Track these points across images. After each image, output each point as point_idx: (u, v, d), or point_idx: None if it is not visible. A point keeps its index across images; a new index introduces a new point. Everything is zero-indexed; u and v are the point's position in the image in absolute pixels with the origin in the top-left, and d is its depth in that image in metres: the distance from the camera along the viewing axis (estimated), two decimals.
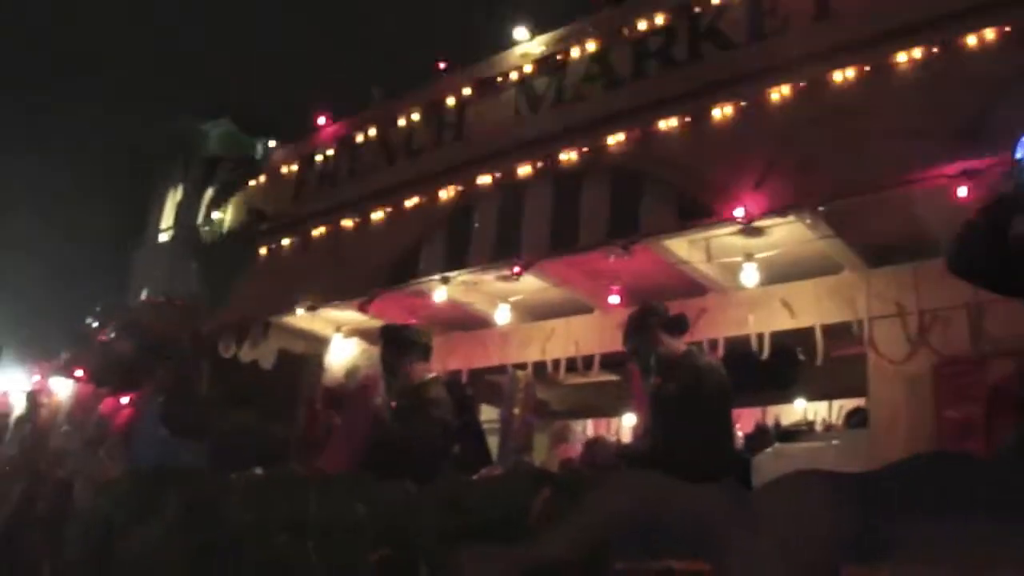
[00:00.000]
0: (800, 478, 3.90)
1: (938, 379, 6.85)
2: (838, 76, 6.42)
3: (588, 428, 12.41)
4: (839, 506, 3.58)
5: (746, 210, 6.39)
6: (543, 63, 8.21)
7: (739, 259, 7.37)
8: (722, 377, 6.52)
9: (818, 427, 10.13)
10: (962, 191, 5.55)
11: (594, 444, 8.65)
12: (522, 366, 9.44)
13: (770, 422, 10.71)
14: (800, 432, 9.56)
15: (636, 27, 7.65)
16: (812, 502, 3.71)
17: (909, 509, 3.43)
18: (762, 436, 9.40)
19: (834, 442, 7.75)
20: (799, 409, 11.01)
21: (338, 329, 10.19)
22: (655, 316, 6.58)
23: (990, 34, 5.91)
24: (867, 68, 6.31)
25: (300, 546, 5.73)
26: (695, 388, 6.35)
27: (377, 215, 9.13)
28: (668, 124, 7.13)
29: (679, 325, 6.63)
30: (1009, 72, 5.72)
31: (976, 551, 3.21)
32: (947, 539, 3.28)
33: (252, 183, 11.20)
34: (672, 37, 7.40)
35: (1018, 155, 4.41)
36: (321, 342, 10.40)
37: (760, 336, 7.69)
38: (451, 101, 8.93)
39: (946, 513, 3.33)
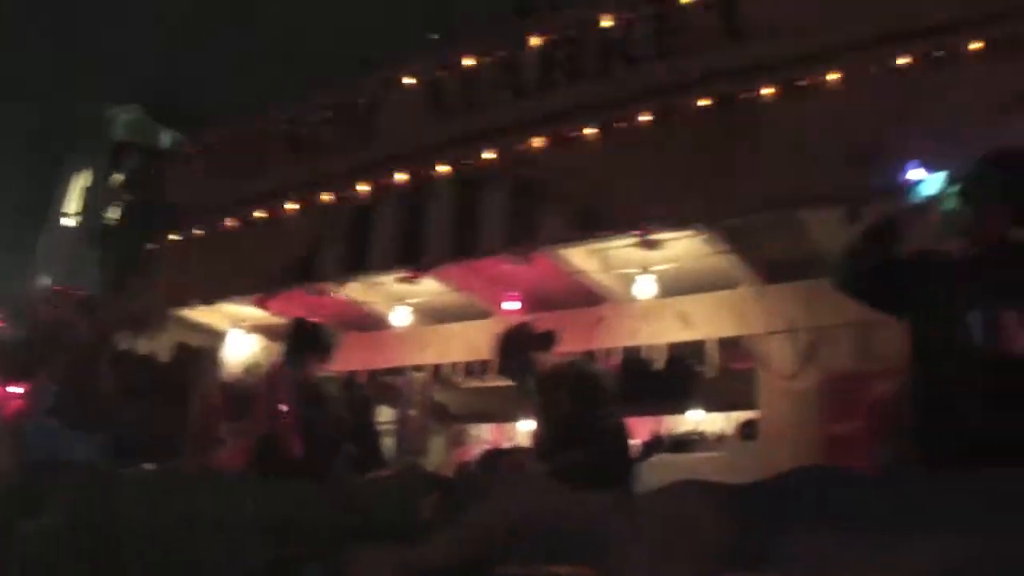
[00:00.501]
0: (682, 487, 3.97)
1: (825, 395, 7.02)
2: (744, 95, 6.50)
3: (487, 433, 12.46)
4: (718, 516, 3.65)
5: (644, 223, 6.49)
6: (453, 68, 8.20)
7: (636, 271, 7.48)
8: (610, 384, 6.59)
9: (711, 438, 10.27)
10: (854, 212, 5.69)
11: (495, 455, 8.69)
12: (420, 368, 9.45)
13: (667, 432, 10.83)
14: (692, 442, 9.69)
15: (545, 38, 7.65)
16: (692, 511, 3.77)
17: (785, 521, 3.50)
18: (657, 445, 9.51)
19: (717, 454, 7.87)
20: (693, 420, 11.15)
21: (238, 324, 10.11)
22: (526, 336, 6.63)
23: (894, 61, 6.05)
24: (772, 89, 6.39)
25: (192, 543, 5.69)
26: (588, 398, 6.41)
27: (281, 211, 9.03)
28: (573, 135, 7.13)
29: (550, 342, 6.66)
30: (910, 98, 5.88)
31: (849, 563, 3.29)
32: (821, 551, 3.35)
33: (158, 173, 11.04)
34: (581, 49, 7.43)
35: (907, 178, 4.55)
36: (219, 337, 10.31)
37: (655, 347, 7.79)
38: (361, 100, 8.89)
39: (821, 525, 3.41)
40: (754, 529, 3.54)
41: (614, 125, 6.97)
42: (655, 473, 6.96)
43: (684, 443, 9.63)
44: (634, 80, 7.01)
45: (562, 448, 6.42)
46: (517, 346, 6.59)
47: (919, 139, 5.54)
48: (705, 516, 3.72)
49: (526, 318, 7.10)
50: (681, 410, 10.72)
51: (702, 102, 6.62)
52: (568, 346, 7.89)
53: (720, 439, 9.78)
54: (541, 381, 6.50)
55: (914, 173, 4.54)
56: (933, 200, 4.38)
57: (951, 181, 4.36)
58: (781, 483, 3.70)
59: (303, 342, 7.39)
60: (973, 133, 5.52)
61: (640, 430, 10.19)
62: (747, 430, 8.56)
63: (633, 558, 3.88)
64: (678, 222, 6.53)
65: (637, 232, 6.59)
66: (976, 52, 5.87)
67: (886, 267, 4.45)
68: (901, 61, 6.02)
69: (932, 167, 4.46)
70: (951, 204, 4.33)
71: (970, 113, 5.69)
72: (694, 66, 6.77)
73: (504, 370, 6.75)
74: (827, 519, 3.43)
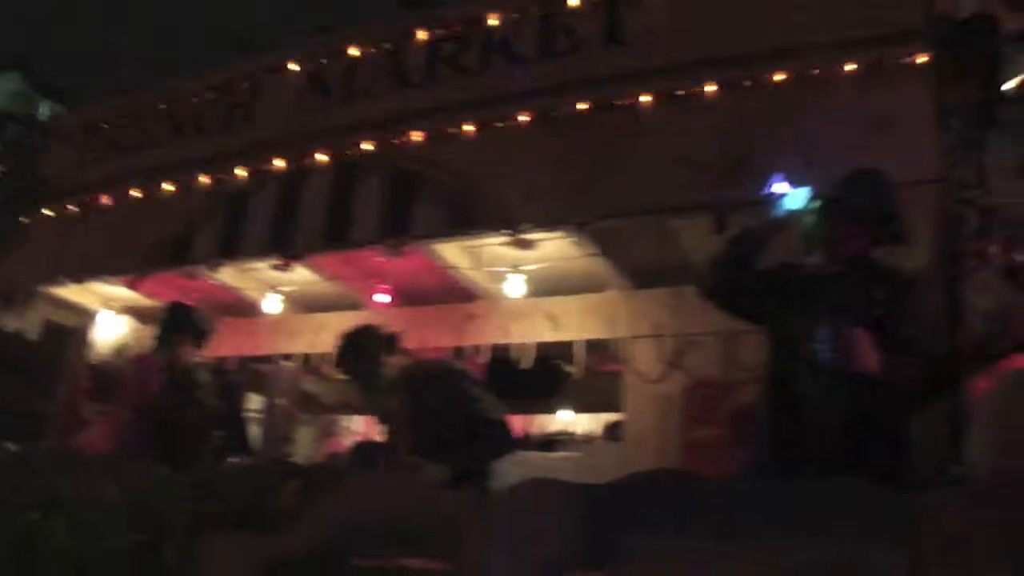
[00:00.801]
0: (534, 485, 4.00)
1: (688, 400, 7.13)
2: (622, 101, 6.56)
3: (358, 424, 12.42)
4: (568, 513, 3.68)
5: (516, 223, 6.52)
6: (336, 56, 8.13)
7: (508, 269, 7.50)
8: (476, 381, 6.56)
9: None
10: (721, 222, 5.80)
11: (366, 447, 8.65)
12: (290, 357, 9.38)
13: (538, 431, 10.90)
14: (559, 442, 9.78)
15: (430, 30, 7.63)
16: (543, 508, 3.80)
17: (635, 521, 3.55)
18: (522, 443, 9.56)
19: (578, 453, 7.94)
20: (564, 420, 11.23)
21: (109, 305, 9.92)
22: (369, 338, 6.53)
23: (769, 77, 6.19)
24: (649, 96, 6.48)
25: (50, 526, 5.58)
26: (458, 395, 6.35)
27: (157, 190, 8.84)
28: (452, 130, 7.12)
29: (394, 344, 6.58)
30: (780, 114, 6.02)
31: (696, 564, 3.35)
32: (670, 551, 3.41)
33: (34, 145, 10.76)
34: (465, 45, 7.43)
35: (771, 191, 4.64)
36: (89, 316, 10.10)
37: (525, 346, 7.83)
38: (243, 83, 8.75)
39: (670, 526, 3.46)
40: (603, 528, 3.59)
41: (493, 122, 6.99)
42: (516, 471, 7.00)
43: (550, 442, 9.70)
44: (516, 79, 7.04)
45: (447, 447, 6.32)
46: (359, 348, 6.51)
47: (789, 154, 5.67)
48: (555, 513, 3.76)
49: (373, 320, 6.98)
50: (549, 409, 10.79)
51: (581, 105, 6.68)
52: (439, 342, 7.92)
53: (588, 440, 9.88)
54: (402, 381, 6.42)
55: (778, 187, 4.63)
56: (795, 215, 4.49)
57: (813, 198, 4.47)
58: (633, 484, 3.75)
59: (176, 325, 7.26)
60: (841, 152, 5.67)
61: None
62: (613, 432, 8.64)
63: (485, 554, 3.90)
64: (550, 222, 6.55)
65: (509, 230, 6.61)
66: (848, 74, 6.04)
67: (748, 278, 4.56)
68: (777, 77, 6.16)
69: (797, 182, 4.56)
70: (811, 220, 4.44)
71: (839, 132, 5.85)
72: (576, 69, 6.82)
73: (346, 372, 6.66)
74: (677, 520, 3.49)
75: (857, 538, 3.23)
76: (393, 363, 6.31)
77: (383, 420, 6.60)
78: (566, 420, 11.22)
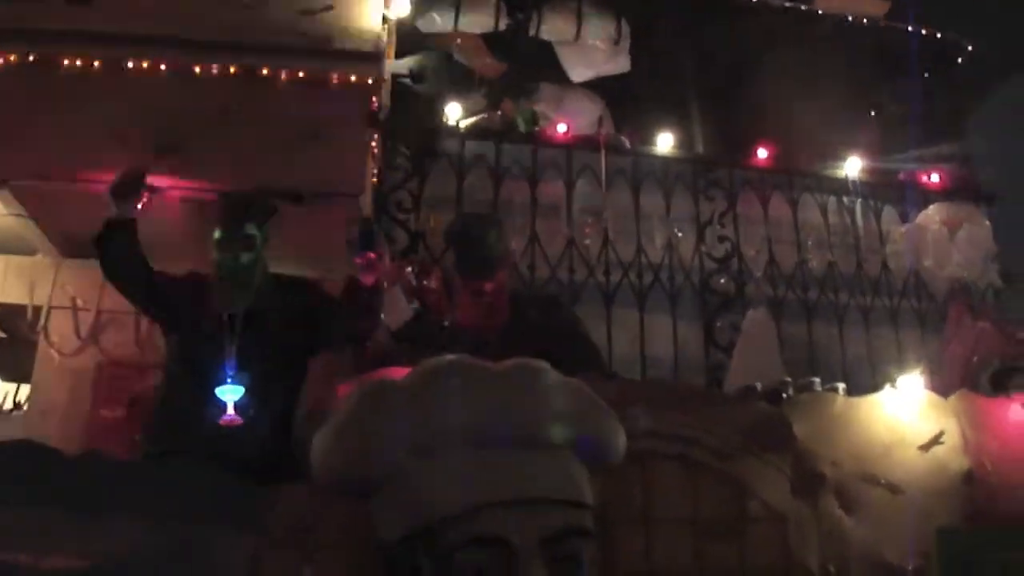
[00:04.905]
0: None
1: (99, 378, 7.06)
2: (65, 60, 6.39)
3: None
4: None
5: None
6: None
7: None
8: None
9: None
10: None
11: None
12: None
13: None
14: None
15: None
16: None
17: None
18: None
19: None
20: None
21: None
22: None
23: (214, 69, 6.31)
24: (97, 63, 6.37)
25: None
26: None
27: None
28: None
29: None
30: (220, 106, 6.16)
31: (45, 536, 3.35)
32: (19, 523, 3.39)
33: None
34: None
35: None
36: None
37: None
38: None
39: (21, 498, 3.46)
40: None
41: None
42: None
43: None
44: None
45: None
46: None
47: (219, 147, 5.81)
48: None
49: None
50: None
51: (31, 56, 6.40)
52: None
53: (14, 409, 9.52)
54: None
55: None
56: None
57: None
58: None
59: None
60: (273, 155, 5.87)
61: None
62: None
63: None
64: None
65: None
66: (295, 81, 6.23)
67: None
68: (224, 70, 6.24)
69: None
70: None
71: (275, 136, 6.05)
72: (31, 18, 6.50)
73: None
74: (28, 493, 3.49)
75: (205, 522, 3.38)
76: None
77: None
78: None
